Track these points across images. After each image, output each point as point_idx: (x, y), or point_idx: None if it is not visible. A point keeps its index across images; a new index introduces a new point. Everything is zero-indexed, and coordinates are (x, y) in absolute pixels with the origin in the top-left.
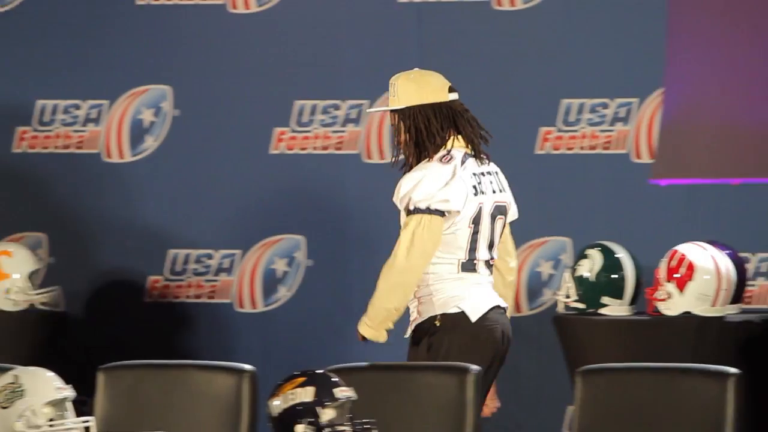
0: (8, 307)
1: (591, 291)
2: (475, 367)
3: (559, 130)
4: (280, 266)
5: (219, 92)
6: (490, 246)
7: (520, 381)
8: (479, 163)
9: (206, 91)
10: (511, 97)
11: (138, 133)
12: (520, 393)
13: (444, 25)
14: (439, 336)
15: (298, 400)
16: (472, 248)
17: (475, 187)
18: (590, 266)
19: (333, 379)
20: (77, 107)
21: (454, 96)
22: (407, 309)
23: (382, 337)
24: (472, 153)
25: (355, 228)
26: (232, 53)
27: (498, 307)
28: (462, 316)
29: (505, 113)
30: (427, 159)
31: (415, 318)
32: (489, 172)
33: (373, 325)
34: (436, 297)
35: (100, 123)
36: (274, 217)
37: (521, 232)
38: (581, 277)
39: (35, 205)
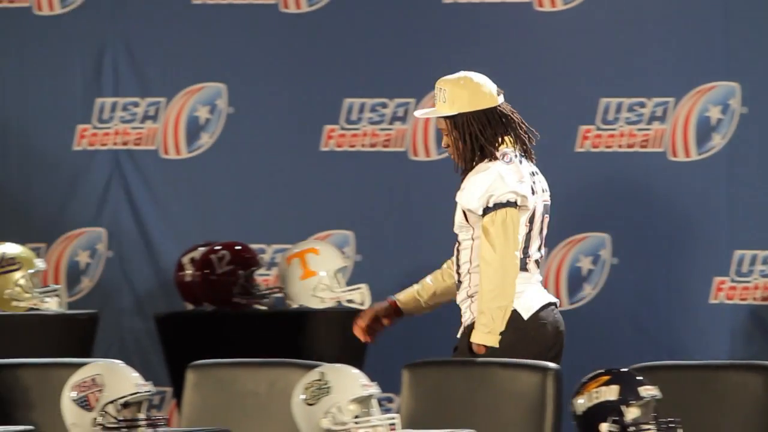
0: (315, 304)
1: None
2: None
3: (598, 129)
4: (586, 264)
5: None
6: (540, 245)
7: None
8: (530, 163)
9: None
10: (552, 96)
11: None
12: None
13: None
14: None
15: (602, 399)
16: (526, 247)
17: (531, 186)
18: None
19: (638, 378)
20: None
21: (502, 99)
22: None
23: (497, 340)
24: (523, 153)
25: (660, 227)
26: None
27: (550, 304)
28: (515, 314)
29: (545, 112)
30: (488, 161)
31: (468, 317)
32: (536, 172)
33: (493, 329)
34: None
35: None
36: (579, 214)
37: (562, 228)
38: None
39: (341, 203)
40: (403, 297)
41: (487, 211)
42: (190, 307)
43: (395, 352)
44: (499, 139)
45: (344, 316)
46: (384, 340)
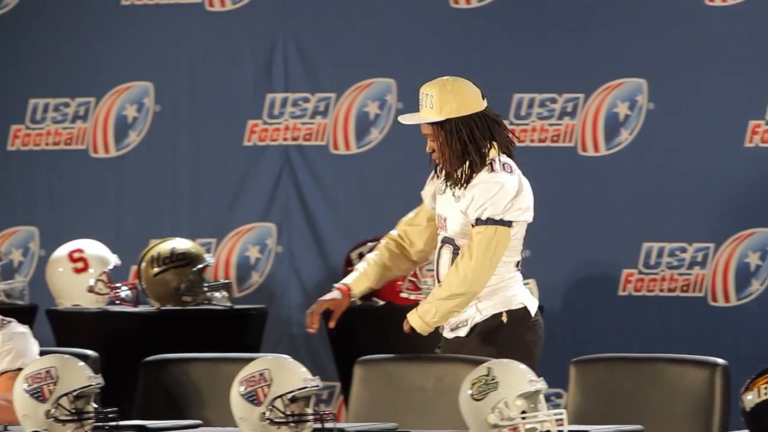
0: None
1: None
2: None
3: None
4: (753, 260)
5: (694, 86)
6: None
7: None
8: None
9: (682, 85)
10: (720, 91)
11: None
12: None
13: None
14: (509, 331)
15: None
16: (521, 250)
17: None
18: None
19: None
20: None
21: (485, 103)
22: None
23: (427, 331)
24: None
25: None
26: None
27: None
28: (525, 311)
29: (713, 107)
30: (488, 169)
31: (474, 317)
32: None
33: (429, 321)
34: (500, 295)
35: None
36: (748, 210)
37: (729, 224)
38: None
39: None
40: (355, 286)
41: (478, 222)
42: (358, 302)
43: (563, 348)
44: (488, 144)
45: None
46: (552, 336)
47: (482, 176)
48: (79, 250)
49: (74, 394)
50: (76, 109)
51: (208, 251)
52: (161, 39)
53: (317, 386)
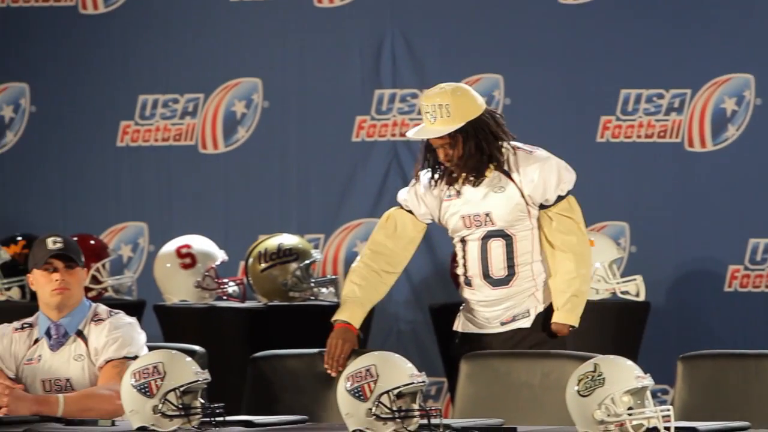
0: (590, 296)
1: None
2: None
3: None
4: None
5: None
6: None
7: None
8: None
9: None
10: None
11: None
12: None
13: None
14: None
15: None
16: None
17: None
18: None
19: None
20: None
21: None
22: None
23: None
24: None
25: None
26: None
27: None
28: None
29: None
30: (524, 152)
31: (536, 306)
32: None
33: (580, 313)
34: (548, 283)
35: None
36: None
37: None
38: None
39: (617, 194)
40: (357, 321)
41: (560, 199)
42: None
43: (669, 344)
44: (502, 136)
45: (619, 307)
46: (659, 332)
47: (528, 161)
48: (187, 246)
49: (181, 389)
50: (185, 105)
51: (315, 247)
52: (270, 35)
53: (424, 382)
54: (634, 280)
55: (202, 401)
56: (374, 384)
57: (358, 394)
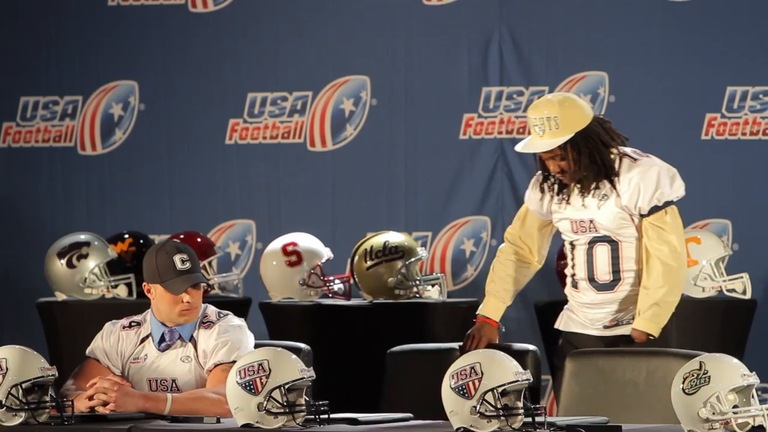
0: (696, 294)
1: None
2: None
3: None
4: None
5: None
6: None
7: None
8: None
9: None
10: None
11: None
12: None
13: None
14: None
15: None
16: None
17: None
18: None
19: None
20: None
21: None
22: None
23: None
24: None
25: None
26: None
27: None
28: None
29: None
30: (629, 161)
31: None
32: None
33: (662, 323)
34: None
35: None
36: None
37: None
38: None
39: (720, 192)
40: (496, 314)
41: (655, 209)
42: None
43: None
44: (612, 143)
45: (725, 305)
46: (765, 330)
47: (630, 169)
48: (293, 244)
49: (286, 386)
50: (293, 103)
51: (422, 245)
52: (378, 33)
53: (528, 380)
54: (741, 278)
55: (307, 399)
56: (479, 382)
57: (463, 391)
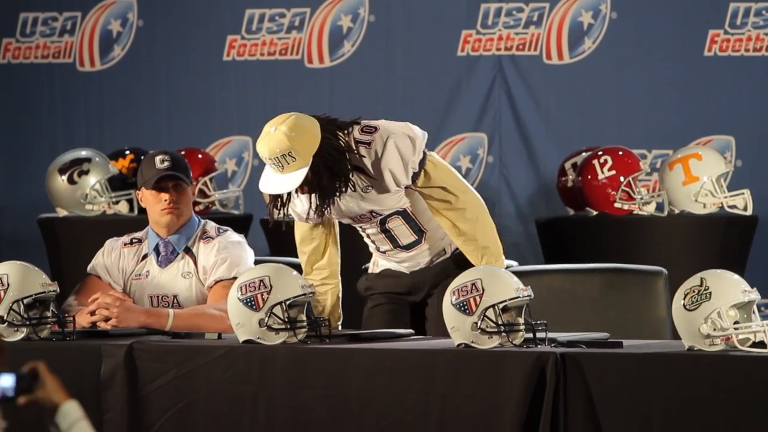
0: (697, 210)
1: None
2: None
3: None
4: None
5: None
6: None
7: None
8: None
9: None
10: None
11: None
12: None
13: None
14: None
15: None
16: None
17: None
18: None
19: None
20: None
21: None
22: None
23: None
24: None
25: None
26: None
27: None
28: None
29: None
30: (364, 147)
31: (450, 244)
32: None
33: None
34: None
35: None
36: None
37: None
38: None
39: (723, 108)
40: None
41: (416, 176)
42: (571, 212)
43: None
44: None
45: (726, 221)
46: (765, 247)
47: (369, 155)
48: None
49: (288, 303)
50: (291, 20)
51: None
52: None
53: (529, 296)
54: (742, 194)
55: (308, 315)
56: (480, 298)
57: (464, 307)
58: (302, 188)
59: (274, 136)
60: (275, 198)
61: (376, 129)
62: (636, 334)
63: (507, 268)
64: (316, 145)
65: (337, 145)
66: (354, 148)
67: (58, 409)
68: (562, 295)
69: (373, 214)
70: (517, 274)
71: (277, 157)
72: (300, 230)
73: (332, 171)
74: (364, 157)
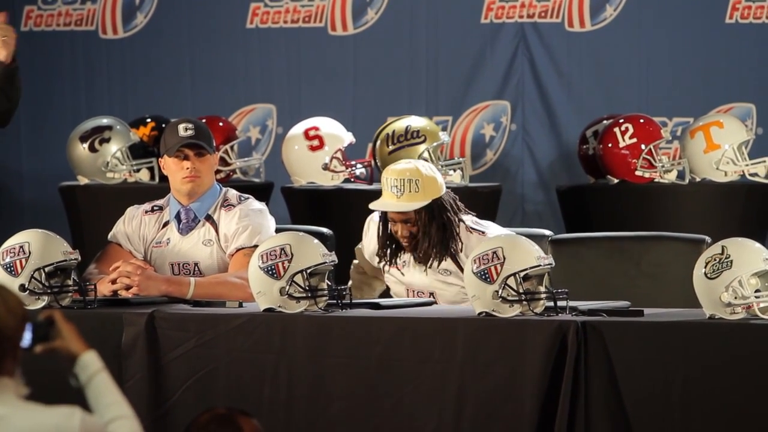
0: (718, 177)
1: None
2: None
3: None
4: None
5: None
6: None
7: None
8: None
9: None
10: None
11: None
12: None
13: None
14: None
15: None
16: None
17: None
18: None
19: None
20: None
21: None
22: None
23: None
24: None
25: None
26: None
27: None
28: None
29: None
30: (481, 231)
31: None
32: None
33: None
34: None
35: None
36: None
37: None
38: None
39: (744, 76)
40: None
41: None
42: (592, 180)
43: None
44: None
45: (748, 189)
46: None
47: (479, 243)
48: (315, 128)
49: (308, 271)
50: None
51: (444, 129)
52: None
53: (551, 264)
54: (764, 161)
55: (329, 283)
56: (501, 266)
57: (485, 276)
58: (407, 225)
59: (407, 163)
60: (382, 234)
61: (486, 227)
62: (676, 302)
63: (545, 236)
64: (440, 193)
65: (455, 207)
66: (465, 227)
67: (77, 359)
68: (596, 264)
69: (432, 296)
70: (556, 242)
71: (404, 179)
72: (362, 258)
73: (444, 226)
74: (471, 241)
